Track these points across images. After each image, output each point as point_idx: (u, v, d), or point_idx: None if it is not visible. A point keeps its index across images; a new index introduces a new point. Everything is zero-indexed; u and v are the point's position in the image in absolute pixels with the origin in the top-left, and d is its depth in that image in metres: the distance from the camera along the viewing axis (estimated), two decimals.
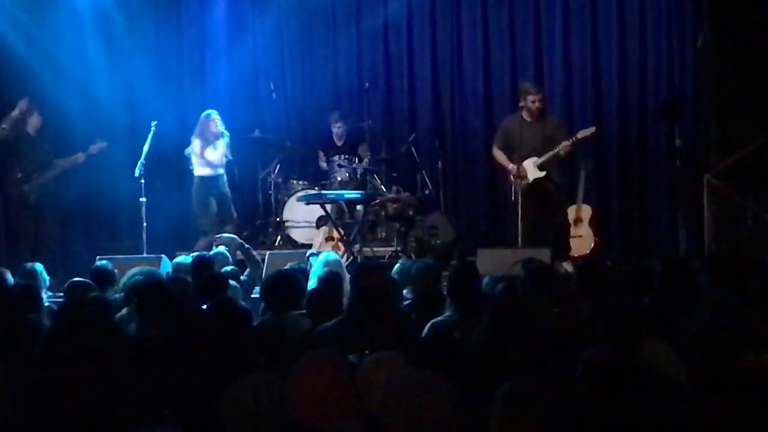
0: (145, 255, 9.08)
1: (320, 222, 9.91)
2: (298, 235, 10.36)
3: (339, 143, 10.63)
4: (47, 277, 6.99)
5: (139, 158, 9.54)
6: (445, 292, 5.53)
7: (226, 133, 10.01)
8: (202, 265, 6.79)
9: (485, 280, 5.70)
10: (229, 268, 6.99)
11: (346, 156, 10.44)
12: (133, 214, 10.01)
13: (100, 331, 4.55)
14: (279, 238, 10.42)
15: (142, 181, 9.57)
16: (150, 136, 9.67)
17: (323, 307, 5.25)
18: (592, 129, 9.09)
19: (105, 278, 6.70)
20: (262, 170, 10.88)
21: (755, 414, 3.08)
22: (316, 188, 10.27)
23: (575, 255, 9.10)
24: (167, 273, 7.21)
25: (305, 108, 11.44)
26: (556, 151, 8.87)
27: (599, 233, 9.69)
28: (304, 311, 5.37)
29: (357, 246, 9.69)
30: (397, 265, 6.70)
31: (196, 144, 10.01)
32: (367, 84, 11.02)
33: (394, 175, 10.57)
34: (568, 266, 8.40)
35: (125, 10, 11.10)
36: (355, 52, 11.38)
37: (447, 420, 2.88)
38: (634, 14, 10.60)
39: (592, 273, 5.56)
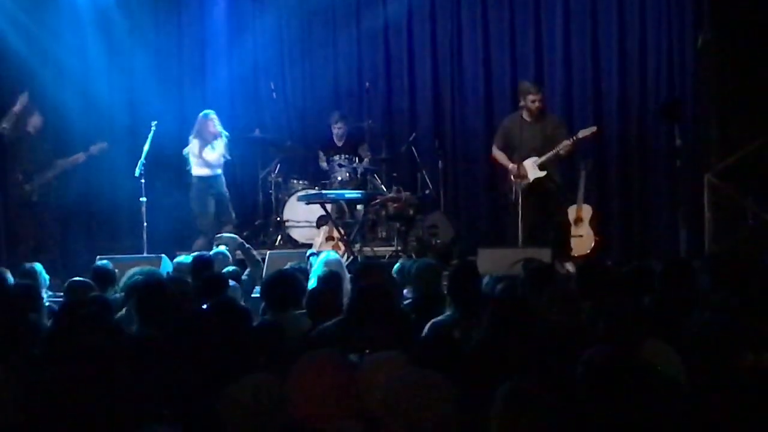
0: (145, 255, 9.08)
1: (320, 221, 9.91)
2: (298, 234, 10.37)
3: (339, 144, 10.62)
4: (47, 277, 7.00)
5: (140, 158, 9.54)
6: (445, 292, 5.53)
7: (225, 133, 10.00)
8: (202, 265, 6.79)
9: (485, 280, 5.71)
10: (230, 268, 7.00)
11: (347, 156, 10.44)
12: (134, 213, 10.00)
13: (100, 331, 4.55)
14: (279, 237, 10.42)
15: (143, 180, 9.57)
16: (150, 136, 9.66)
17: (323, 307, 5.24)
18: (593, 128, 9.08)
19: (105, 278, 6.71)
20: (262, 170, 10.88)
21: (755, 414, 3.08)
22: (316, 188, 10.28)
23: (576, 255, 9.10)
24: (167, 273, 7.21)
25: (305, 108, 11.45)
26: (556, 150, 8.86)
27: (599, 233, 9.69)
28: (305, 311, 5.36)
29: (357, 245, 9.69)
30: (397, 264, 6.70)
31: (194, 144, 9.98)
32: (367, 84, 11.03)
33: (395, 174, 10.58)
34: (570, 266, 8.39)
35: (125, 10, 11.09)
36: (355, 52, 11.39)
37: (447, 420, 2.88)
38: (634, 14, 10.61)
39: (592, 273, 5.57)
